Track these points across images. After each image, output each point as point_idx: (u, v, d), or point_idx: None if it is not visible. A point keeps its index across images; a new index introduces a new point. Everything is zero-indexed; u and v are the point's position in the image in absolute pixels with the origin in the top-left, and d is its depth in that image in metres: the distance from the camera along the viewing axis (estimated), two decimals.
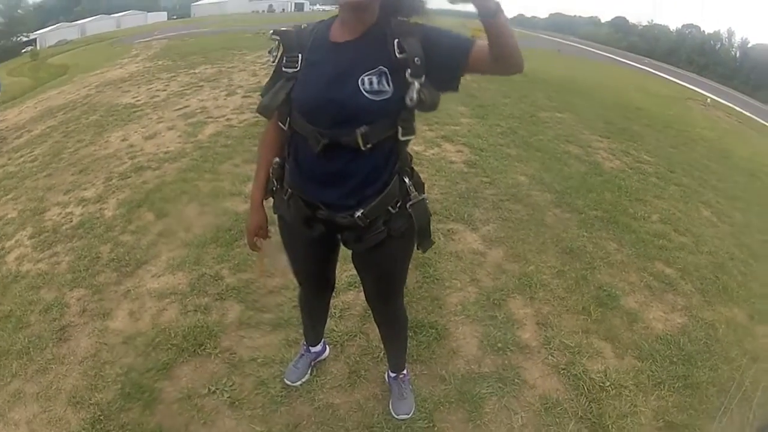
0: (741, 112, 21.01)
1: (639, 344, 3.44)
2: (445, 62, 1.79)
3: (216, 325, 3.42)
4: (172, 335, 3.34)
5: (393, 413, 2.80)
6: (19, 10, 62.50)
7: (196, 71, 13.47)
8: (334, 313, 3.42)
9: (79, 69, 21.36)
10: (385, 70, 1.80)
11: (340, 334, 3.31)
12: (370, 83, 1.79)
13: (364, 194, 1.95)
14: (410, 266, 2.34)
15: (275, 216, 2.27)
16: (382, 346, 3.01)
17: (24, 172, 7.39)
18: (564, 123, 9.17)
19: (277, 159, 2.12)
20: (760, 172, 9.65)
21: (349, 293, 3.66)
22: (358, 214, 1.94)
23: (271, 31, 1.96)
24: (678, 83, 25.79)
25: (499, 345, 3.29)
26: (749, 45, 54.90)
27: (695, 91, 23.51)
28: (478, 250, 4.36)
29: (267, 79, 2.05)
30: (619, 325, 3.61)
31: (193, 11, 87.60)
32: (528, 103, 10.41)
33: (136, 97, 11.12)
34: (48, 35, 61.94)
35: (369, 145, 1.83)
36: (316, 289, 2.62)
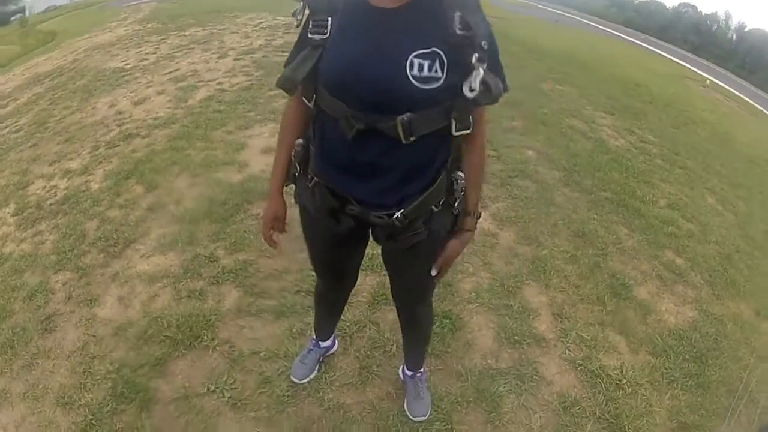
0: (738, 96, 20.64)
1: (653, 339, 3.28)
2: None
3: (213, 313, 3.08)
4: (166, 325, 3.00)
5: (409, 414, 2.53)
6: None
7: (187, 33, 12.85)
8: (347, 301, 3.07)
9: (67, 34, 20.63)
10: (440, 53, 1.44)
11: (348, 323, 2.98)
12: (420, 68, 1.43)
13: (405, 192, 1.63)
14: None
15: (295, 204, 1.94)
16: (393, 337, 2.80)
17: (8, 143, 6.94)
18: (566, 96, 8.79)
19: (300, 140, 1.79)
20: (759, 159, 9.41)
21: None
22: (397, 215, 1.63)
23: None
24: (675, 61, 25.43)
25: (516, 338, 3.05)
26: (746, 29, 54.48)
27: (692, 70, 23.16)
28: (489, 230, 4.05)
29: (289, 48, 1.66)
30: (633, 318, 3.42)
31: None
32: (530, 74, 9.91)
33: (125, 60, 10.52)
34: (37, 2, 60.51)
35: (412, 138, 1.49)
36: (338, 283, 2.29)
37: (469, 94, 1.40)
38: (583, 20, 35.47)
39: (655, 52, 26.84)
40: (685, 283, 3.91)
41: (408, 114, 1.45)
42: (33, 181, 5.30)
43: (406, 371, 2.57)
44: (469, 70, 1.39)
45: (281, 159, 1.85)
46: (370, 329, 2.98)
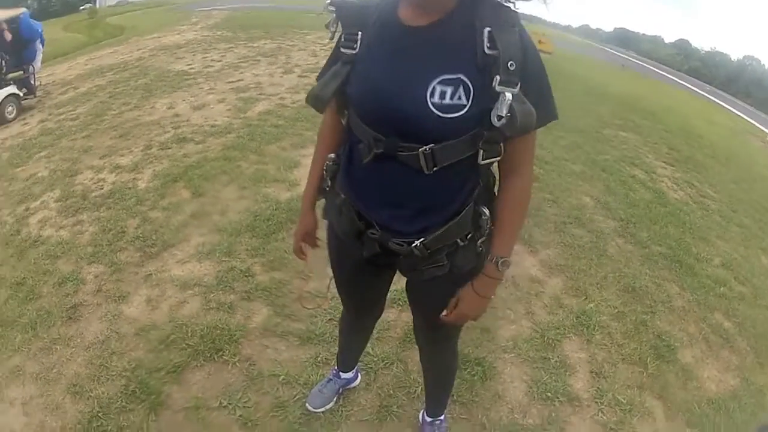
0: None
1: (690, 406, 3.17)
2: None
3: (239, 328, 3.18)
4: (189, 334, 3.12)
5: None
6: None
7: (255, 45, 13.35)
8: (372, 333, 3.10)
9: (136, 31, 21.61)
10: (465, 79, 1.39)
11: (375, 359, 3.02)
12: (442, 96, 1.39)
13: (428, 222, 1.60)
14: None
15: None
16: (419, 378, 2.77)
17: (63, 130, 7.34)
18: (628, 143, 8.86)
19: (332, 155, 1.80)
20: None
21: (390, 311, 3.35)
22: (417, 243, 1.61)
23: (328, 1, 1.59)
24: (738, 114, 25.31)
25: (549, 394, 3.00)
26: None
27: (754, 125, 22.94)
28: (537, 277, 4.06)
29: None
30: (674, 383, 3.33)
31: None
32: (593, 118, 10.10)
33: (190, 64, 11.05)
34: None
35: (435, 168, 1.48)
36: (362, 312, 2.31)
37: (496, 122, 1.37)
38: (648, 66, 35.48)
39: (719, 104, 26.72)
40: (731, 348, 3.83)
41: (431, 146, 1.45)
42: (81, 171, 5.60)
43: (426, 417, 2.58)
44: (494, 94, 1.36)
45: (314, 173, 1.90)
46: (397, 367, 3.00)
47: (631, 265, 4.54)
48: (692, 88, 30.85)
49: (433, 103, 1.40)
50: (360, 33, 1.55)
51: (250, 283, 3.59)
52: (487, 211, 1.62)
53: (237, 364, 2.94)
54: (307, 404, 2.67)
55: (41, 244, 4.24)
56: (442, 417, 2.58)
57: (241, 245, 4.02)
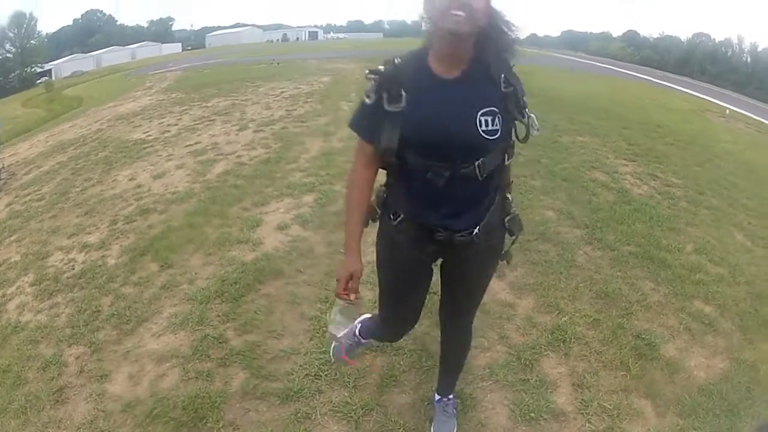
0: (760, 121, 20.26)
1: (681, 398, 3.17)
2: None
3: (219, 394, 3.21)
4: (172, 406, 3.15)
5: None
6: (32, 41, 63.67)
7: (209, 104, 13.45)
8: (348, 382, 3.19)
9: (93, 101, 21.58)
10: (496, 110, 1.97)
11: (354, 407, 3.04)
12: (486, 124, 1.95)
13: (480, 214, 2.12)
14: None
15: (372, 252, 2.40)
16: (400, 420, 2.91)
17: (30, 211, 7.32)
18: (587, 147, 8.88)
19: (382, 187, 2.27)
20: None
21: (365, 357, 3.40)
22: (476, 231, 2.10)
23: (367, 71, 2.03)
24: (694, 95, 25.65)
25: (532, 414, 3.01)
26: (759, 49, 54.41)
27: (712, 102, 23.23)
28: (507, 301, 4.07)
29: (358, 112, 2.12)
30: (660, 379, 3.33)
31: (208, 41, 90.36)
32: (548, 128, 10.00)
33: (147, 132, 11.11)
34: (63, 66, 63.20)
35: (485, 175, 2.01)
36: (404, 325, 2.65)
37: (519, 139, 2.09)
38: (599, 64, 36.18)
39: (675, 88, 27.18)
40: (715, 332, 3.82)
41: (482, 159, 1.98)
42: (52, 253, 5.60)
43: (436, 396, 2.90)
44: (511, 118, 2.01)
45: (356, 218, 2.21)
46: (377, 413, 3.01)
47: (602, 271, 4.56)
48: (646, 77, 31.15)
49: (482, 130, 1.95)
50: (403, 91, 1.96)
51: (224, 349, 3.62)
52: (510, 196, 2.24)
53: (221, 430, 2.97)
54: None
55: (21, 330, 4.24)
56: (451, 396, 2.88)
57: (212, 312, 4.05)
